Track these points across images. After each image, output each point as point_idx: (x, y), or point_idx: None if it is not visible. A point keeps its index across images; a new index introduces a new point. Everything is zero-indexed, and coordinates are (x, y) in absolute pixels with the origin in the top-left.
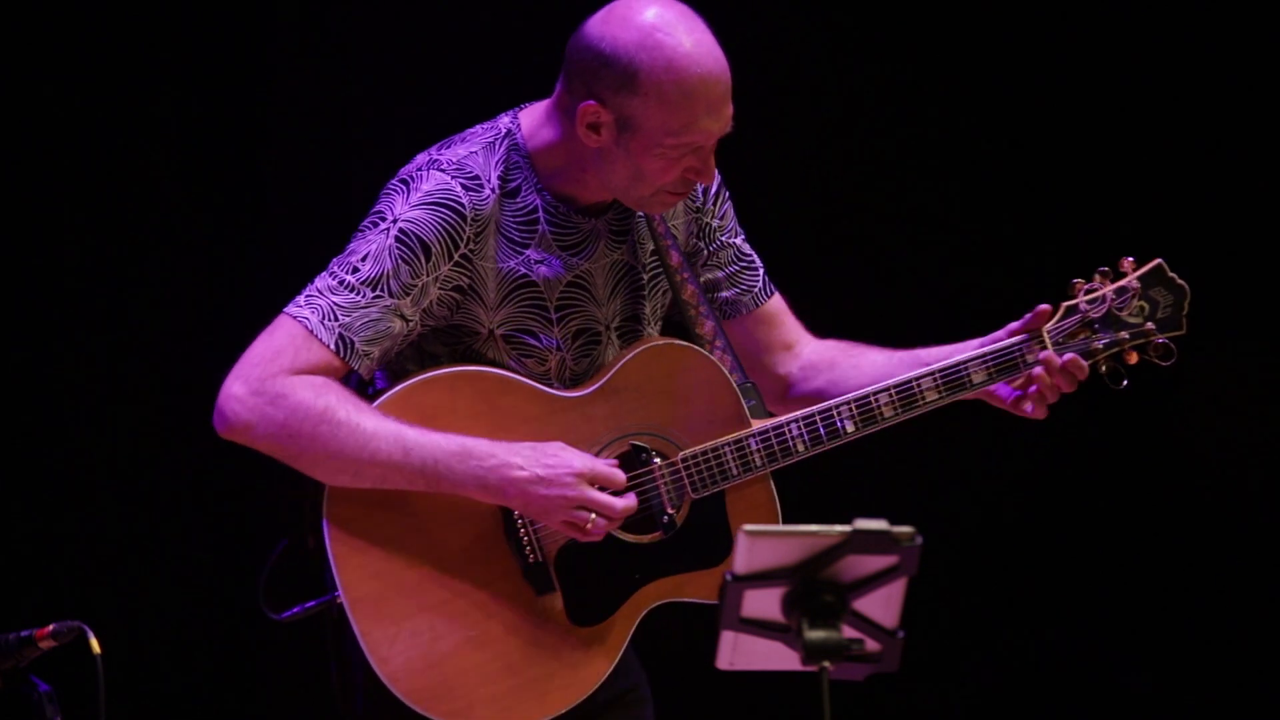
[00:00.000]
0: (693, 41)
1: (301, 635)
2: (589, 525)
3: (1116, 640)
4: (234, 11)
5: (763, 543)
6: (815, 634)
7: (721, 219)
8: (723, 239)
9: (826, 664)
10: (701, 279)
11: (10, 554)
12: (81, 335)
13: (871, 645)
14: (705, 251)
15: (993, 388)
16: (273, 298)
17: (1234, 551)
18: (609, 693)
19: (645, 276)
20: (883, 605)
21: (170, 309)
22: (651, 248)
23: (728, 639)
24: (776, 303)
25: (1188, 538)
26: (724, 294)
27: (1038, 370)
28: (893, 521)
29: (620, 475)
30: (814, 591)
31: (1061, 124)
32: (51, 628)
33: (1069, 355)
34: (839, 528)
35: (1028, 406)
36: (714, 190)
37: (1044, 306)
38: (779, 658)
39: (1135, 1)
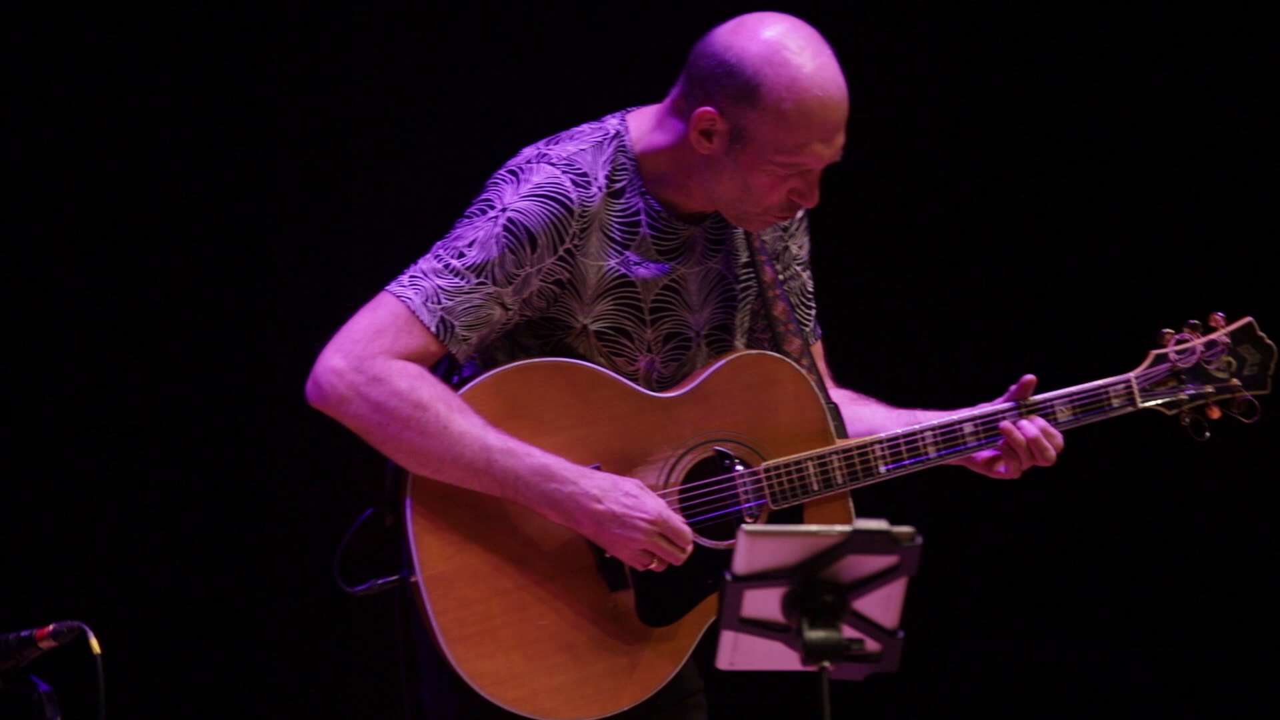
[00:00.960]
0: (818, 65)
1: (302, 635)
2: (653, 565)
3: (1116, 640)
4: (235, 11)
5: (763, 543)
6: (815, 634)
7: (800, 248)
8: (797, 269)
9: (826, 664)
10: (791, 299)
11: (10, 554)
12: (81, 335)
13: (871, 645)
14: (782, 278)
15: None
16: (273, 297)
17: (1234, 551)
18: (671, 695)
19: (737, 288)
20: (883, 605)
21: (170, 309)
22: (745, 260)
23: (728, 639)
24: (816, 348)
25: (1188, 537)
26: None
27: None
28: (893, 521)
29: (689, 534)
30: (814, 591)
31: (1149, 172)
32: (51, 628)
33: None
34: (839, 528)
35: (1000, 467)
36: (799, 218)
37: (1029, 377)
38: (779, 658)
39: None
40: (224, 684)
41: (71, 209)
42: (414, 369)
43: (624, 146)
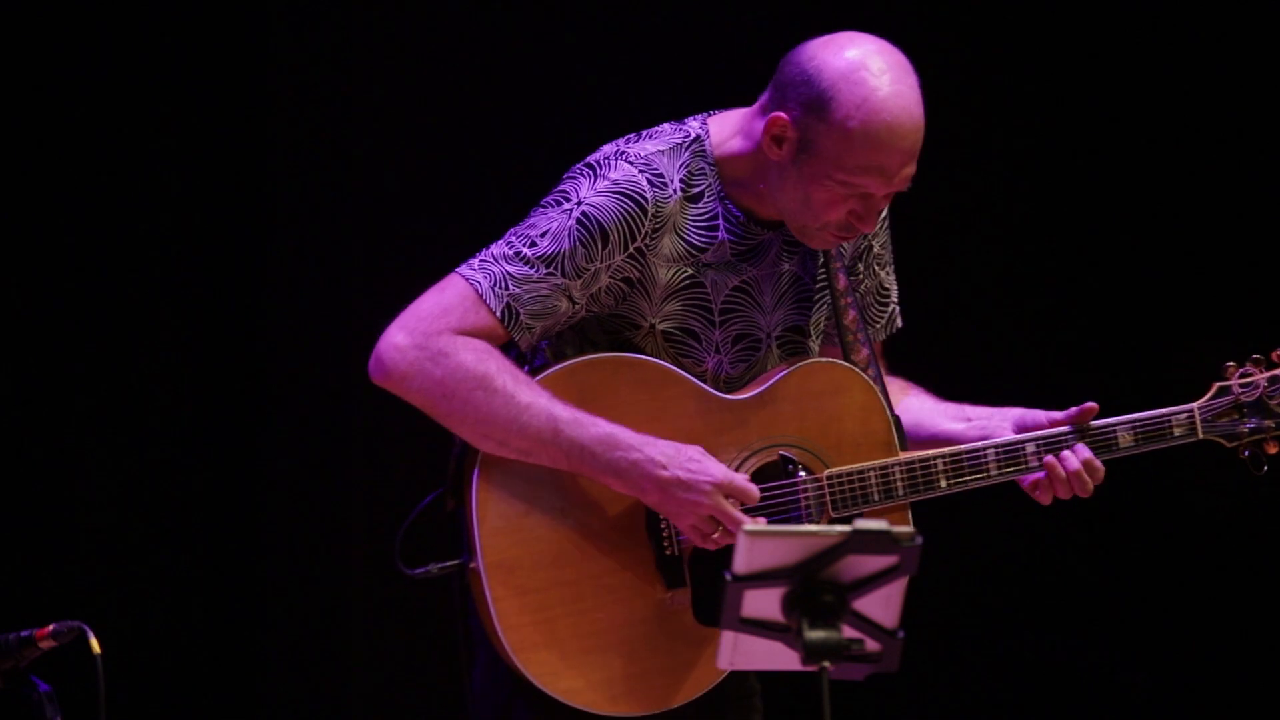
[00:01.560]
0: (894, 91)
1: (302, 634)
2: (716, 535)
3: (1116, 640)
4: (235, 11)
5: (763, 543)
6: (815, 634)
7: (881, 247)
8: (875, 268)
9: (826, 664)
10: (860, 307)
11: (10, 554)
12: (81, 335)
13: (871, 645)
14: (860, 276)
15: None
16: (273, 297)
17: (1234, 551)
18: (736, 690)
19: (814, 288)
20: (883, 605)
21: (170, 308)
22: (821, 263)
23: (728, 639)
24: (884, 342)
25: (1187, 537)
26: None
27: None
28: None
29: (755, 492)
30: (814, 591)
31: (1223, 204)
32: (51, 628)
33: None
34: (839, 528)
35: (1037, 490)
36: (883, 212)
37: (1091, 405)
38: (779, 658)
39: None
40: (224, 684)
41: (71, 208)
42: (479, 344)
43: (703, 150)
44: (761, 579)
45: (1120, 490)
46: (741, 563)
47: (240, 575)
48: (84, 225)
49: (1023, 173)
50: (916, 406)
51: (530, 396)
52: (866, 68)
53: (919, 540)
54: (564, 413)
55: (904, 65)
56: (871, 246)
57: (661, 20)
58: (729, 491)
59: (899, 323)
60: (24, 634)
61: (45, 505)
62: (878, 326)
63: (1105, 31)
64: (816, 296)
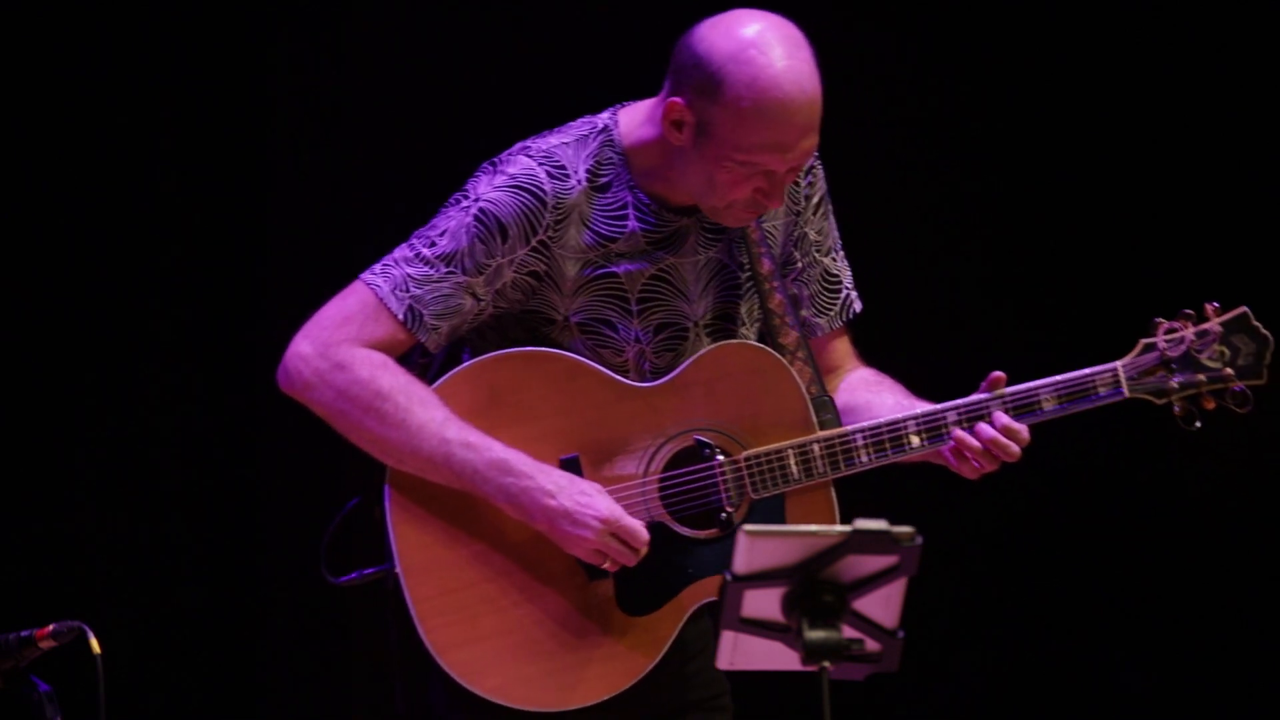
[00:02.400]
0: (785, 66)
1: (302, 634)
2: (606, 565)
3: (1116, 640)
4: (236, 11)
5: (763, 543)
6: (815, 634)
7: (819, 233)
8: (815, 255)
9: (826, 664)
10: (790, 293)
11: (10, 554)
12: (81, 335)
13: (871, 645)
14: (799, 264)
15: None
16: (272, 297)
17: (1234, 550)
18: (700, 693)
19: (742, 276)
20: (883, 605)
21: (170, 309)
22: (744, 246)
23: (728, 639)
24: (842, 334)
25: (1187, 536)
26: (803, 312)
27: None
28: (893, 521)
29: (644, 536)
30: (814, 591)
31: (1149, 160)
32: (51, 628)
33: (1004, 422)
34: (839, 528)
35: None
36: (816, 200)
37: (997, 374)
38: (779, 658)
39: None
40: (224, 684)
41: (71, 208)
42: (378, 357)
43: (612, 140)
44: (761, 579)
45: (1120, 490)
46: (741, 563)
47: (240, 575)
48: (84, 225)
49: (938, 134)
50: (877, 404)
51: (424, 416)
52: (755, 45)
53: (919, 540)
54: (456, 434)
55: (795, 39)
56: (807, 234)
57: (662, 20)
58: (615, 531)
59: (856, 307)
60: (24, 634)
61: (45, 505)
62: (832, 314)
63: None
64: (746, 283)
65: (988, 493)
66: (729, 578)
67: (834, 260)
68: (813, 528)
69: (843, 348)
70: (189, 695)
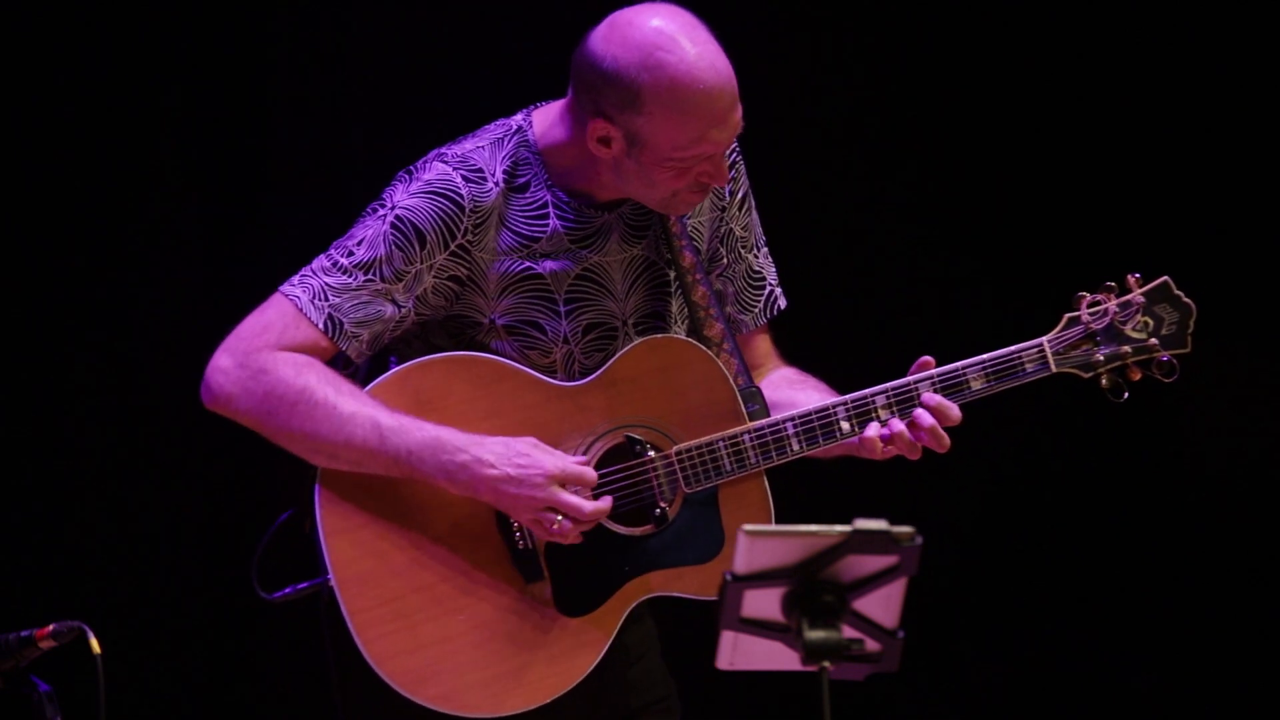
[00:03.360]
0: (695, 54)
1: (301, 634)
2: (555, 527)
3: (1116, 640)
4: (236, 10)
5: (763, 543)
6: (815, 634)
7: (743, 229)
8: (740, 251)
9: (826, 664)
10: (715, 287)
11: (10, 554)
12: (81, 335)
13: (871, 645)
14: (725, 260)
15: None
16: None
17: (1234, 550)
18: (645, 697)
19: (670, 273)
20: (883, 605)
21: (169, 309)
22: (665, 241)
23: (728, 639)
24: (764, 333)
25: (1188, 536)
26: (729, 309)
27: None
28: (893, 521)
29: (592, 475)
30: (814, 591)
31: (1060, 133)
32: (51, 628)
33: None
34: (839, 528)
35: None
36: (740, 195)
37: (925, 359)
38: (779, 658)
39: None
40: (224, 684)
41: (71, 208)
42: (300, 358)
43: (526, 141)
44: (761, 579)
45: (1120, 490)
46: (741, 563)
47: (240, 575)
48: (83, 224)
49: (856, 120)
50: (802, 400)
51: (354, 406)
52: (659, 46)
53: (919, 540)
54: (388, 420)
55: (690, 23)
56: (733, 230)
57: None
58: (564, 479)
59: (781, 304)
60: (24, 634)
61: (45, 505)
62: (756, 311)
63: None
64: (674, 280)
65: (988, 492)
66: (729, 578)
67: (757, 257)
68: (813, 528)
69: (764, 346)
70: (189, 695)
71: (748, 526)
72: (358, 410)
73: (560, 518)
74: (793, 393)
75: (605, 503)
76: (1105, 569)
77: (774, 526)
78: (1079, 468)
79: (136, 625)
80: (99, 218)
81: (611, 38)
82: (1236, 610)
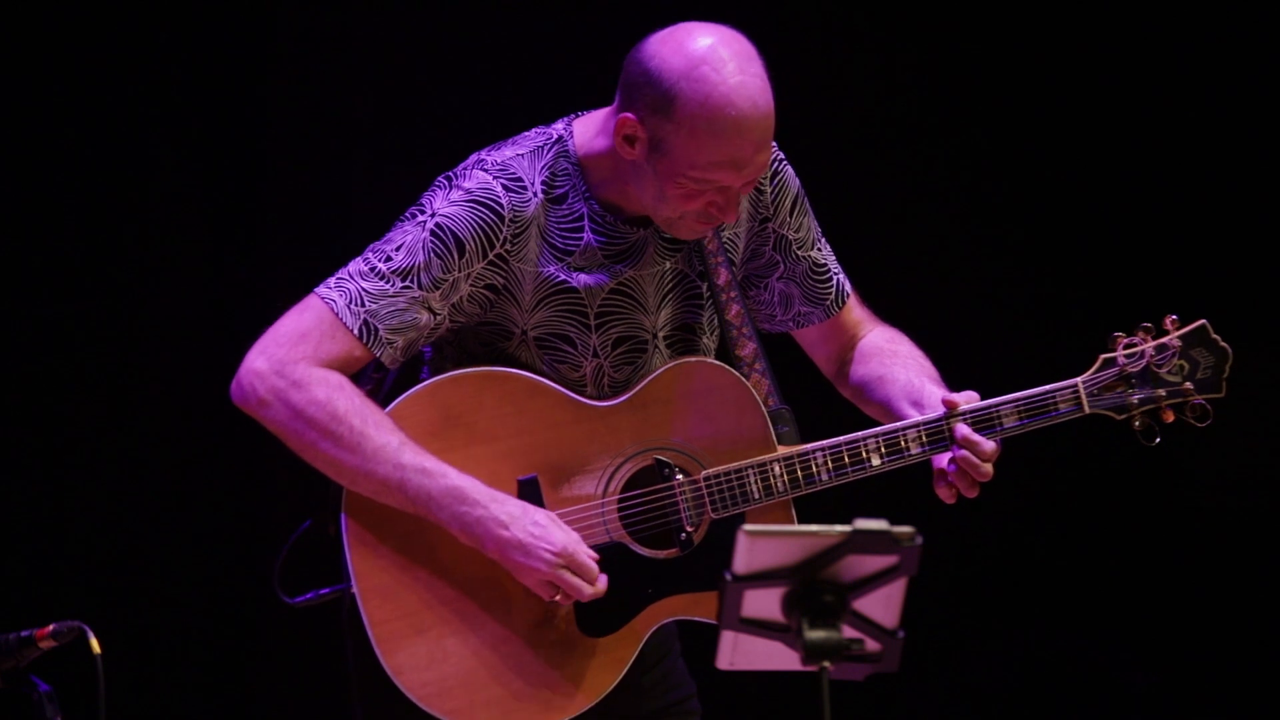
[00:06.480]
0: (738, 81)
1: (302, 634)
2: (558, 598)
3: (1116, 640)
4: (236, 11)
5: (763, 543)
6: (815, 634)
7: (798, 231)
8: (799, 253)
9: (826, 664)
10: (778, 292)
11: (10, 554)
12: (81, 335)
13: (871, 645)
14: (782, 265)
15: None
16: (272, 298)
17: (1234, 550)
18: (660, 702)
19: (702, 286)
20: (883, 605)
21: (169, 309)
22: (700, 256)
23: (728, 639)
24: (847, 311)
25: (1188, 536)
26: (800, 308)
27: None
28: (893, 521)
29: (594, 569)
30: (814, 591)
31: (1090, 174)
32: (51, 628)
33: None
34: (839, 528)
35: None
36: (789, 202)
37: (950, 398)
38: (779, 658)
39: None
40: (224, 684)
41: (71, 207)
42: (335, 378)
43: (566, 151)
44: (761, 579)
45: (1120, 489)
46: (741, 563)
47: (240, 575)
48: (84, 224)
49: (908, 142)
50: (889, 379)
51: (379, 441)
52: (707, 62)
53: (919, 540)
54: (412, 460)
55: (747, 53)
56: (785, 236)
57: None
58: (568, 564)
59: (848, 288)
60: (24, 634)
61: (45, 505)
62: (828, 302)
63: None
64: (705, 292)
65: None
66: (729, 578)
67: (818, 251)
68: (813, 528)
69: (851, 319)
70: (189, 695)
71: (748, 526)
72: (383, 445)
73: (561, 593)
74: (881, 370)
75: (602, 584)
76: (1105, 569)
77: (774, 526)
78: (1078, 468)
79: (136, 625)
80: (102, 218)
81: (667, 42)
82: (1236, 610)
